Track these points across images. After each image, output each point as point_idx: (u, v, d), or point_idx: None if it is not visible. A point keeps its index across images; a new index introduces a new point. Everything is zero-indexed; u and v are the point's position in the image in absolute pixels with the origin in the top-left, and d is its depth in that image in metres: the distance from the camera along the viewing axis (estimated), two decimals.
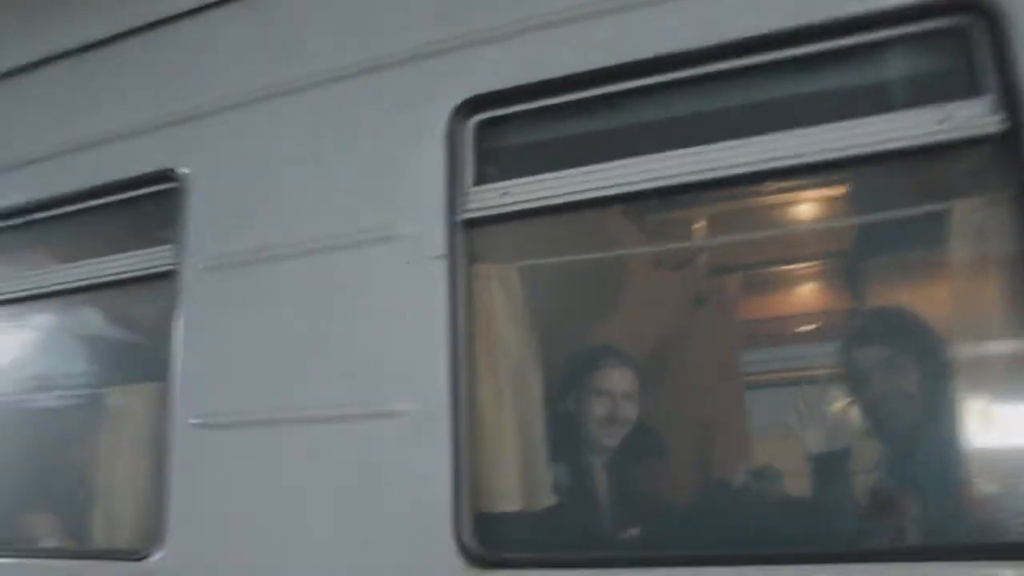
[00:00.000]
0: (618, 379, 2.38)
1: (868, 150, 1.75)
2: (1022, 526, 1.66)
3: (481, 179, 2.08)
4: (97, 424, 2.64)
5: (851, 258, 2.53)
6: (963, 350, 1.80)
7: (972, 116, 1.70)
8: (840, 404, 2.12)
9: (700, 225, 2.40)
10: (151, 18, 2.61)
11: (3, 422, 2.89)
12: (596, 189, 1.96)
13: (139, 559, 2.21)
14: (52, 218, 2.69)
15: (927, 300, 2.00)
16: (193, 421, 2.21)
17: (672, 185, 1.91)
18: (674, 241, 2.59)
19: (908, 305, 2.12)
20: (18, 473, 2.85)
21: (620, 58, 1.96)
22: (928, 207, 1.85)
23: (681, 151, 1.90)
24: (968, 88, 1.74)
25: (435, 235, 2.02)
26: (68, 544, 2.65)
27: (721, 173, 1.86)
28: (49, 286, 2.67)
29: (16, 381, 2.91)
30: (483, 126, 2.11)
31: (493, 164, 2.10)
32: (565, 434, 2.24)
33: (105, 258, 2.56)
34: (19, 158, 2.76)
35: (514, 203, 2.03)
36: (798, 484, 2.22)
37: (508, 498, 1.98)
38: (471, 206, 2.05)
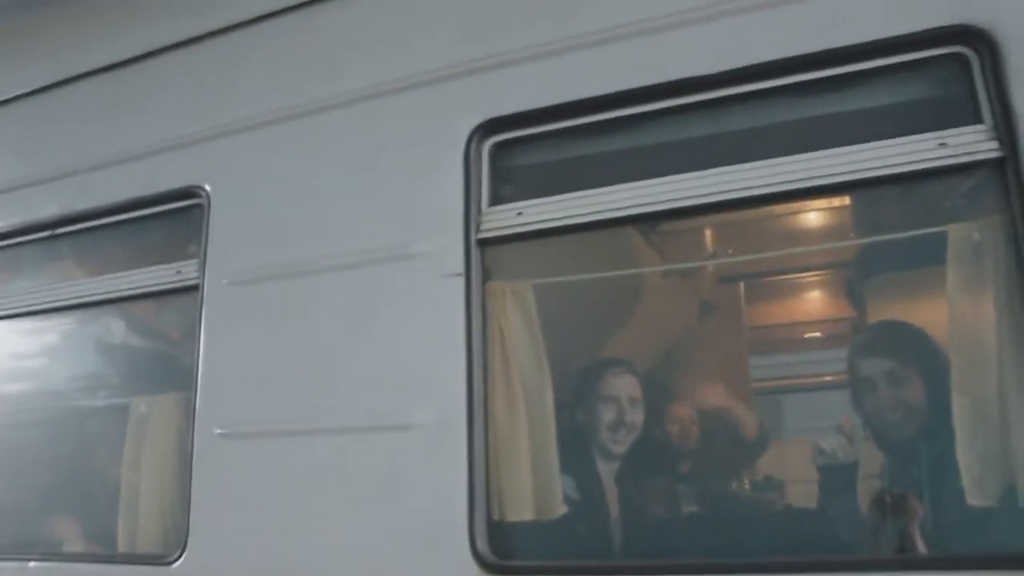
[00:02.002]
0: (623, 385, 2.45)
1: (870, 174, 1.83)
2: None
3: (496, 199, 2.16)
4: (124, 432, 2.71)
5: (854, 274, 2.59)
6: (959, 363, 1.85)
7: (969, 143, 1.78)
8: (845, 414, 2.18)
9: (709, 243, 2.47)
10: (181, 37, 2.69)
11: (33, 428, 2.97)
12: (606, 210, 2.04)
13: (163, 564, 2.28)
14: (81, 231, 2.78)
15: (924, 316, 2.06)
16: (217, 431, 2.29)
17: (681, 207, 1.99)
18: (683, 260, 2.65)
19: (907, 320, 2.18)
20: (47, 478, 2.93)
21: (630, 84, 2.04)
22: (927, 228, 1.92)
23: (689, 174, 1.97)
24: (966, 115, 1.81)
25: (453, 253, 2.10)
26: (95, 548, 2.72)
27: (727, 195, 1.93)
28: (78, 297, 2.75)
29: (46, 389, 2.98)
30: (498, 147, 2.19)
31: (508, 185, 2.17)
32: (576, 445, 2.30)
33: (133, 271, 2.64)
34: (52, 172, 2.84)
35: (528, 223, 2.10)
36: (806, 493, 2.28)
37: (521, 507, 2.05)
38: (487, 225, 2.13)
